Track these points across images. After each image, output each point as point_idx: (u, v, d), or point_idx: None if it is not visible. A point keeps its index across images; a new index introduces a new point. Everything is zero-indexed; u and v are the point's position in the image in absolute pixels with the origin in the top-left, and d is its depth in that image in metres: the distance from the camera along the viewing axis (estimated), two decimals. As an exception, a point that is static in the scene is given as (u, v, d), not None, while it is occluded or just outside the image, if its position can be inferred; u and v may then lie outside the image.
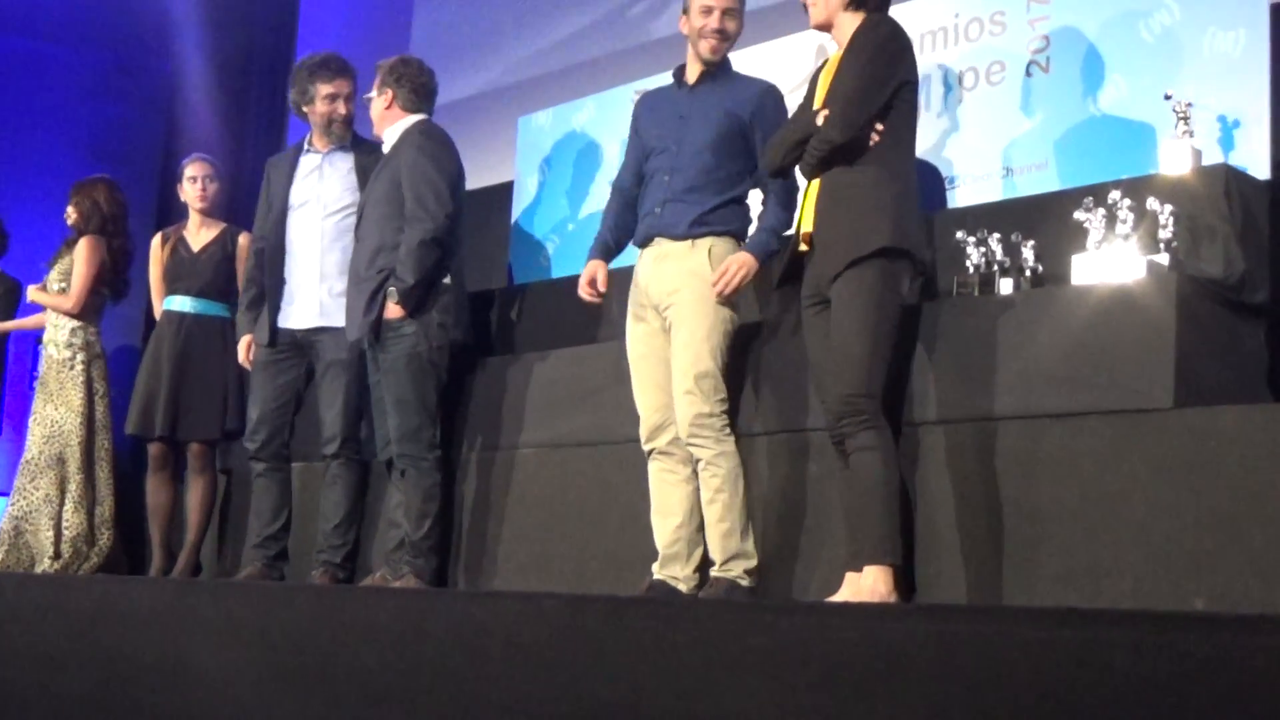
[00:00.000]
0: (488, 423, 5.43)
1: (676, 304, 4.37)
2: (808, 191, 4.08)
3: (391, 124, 5.37)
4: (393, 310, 5.10)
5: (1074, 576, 3.60)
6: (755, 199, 4.59)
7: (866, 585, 3.75)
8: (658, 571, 4.38)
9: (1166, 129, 4.26)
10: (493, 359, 5.63)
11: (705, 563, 4.39)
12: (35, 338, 6.75)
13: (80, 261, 6.52)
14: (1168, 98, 4.21)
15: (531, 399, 5.30)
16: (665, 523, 4.40)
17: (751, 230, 4.52)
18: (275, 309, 5.63)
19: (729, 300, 4.37)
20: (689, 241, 4.42)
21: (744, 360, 4.51)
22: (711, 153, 4.45)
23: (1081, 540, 3.56)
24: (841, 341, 3.85)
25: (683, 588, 4.35)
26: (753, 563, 4.29)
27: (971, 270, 4.34)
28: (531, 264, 6.35)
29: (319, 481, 5.69)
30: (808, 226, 4.03)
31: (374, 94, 5.41)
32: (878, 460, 3.80)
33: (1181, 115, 4.17)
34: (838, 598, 3.81)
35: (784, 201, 4.45)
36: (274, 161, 5.91)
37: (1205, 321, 3.75)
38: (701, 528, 4.39)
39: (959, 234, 4.35)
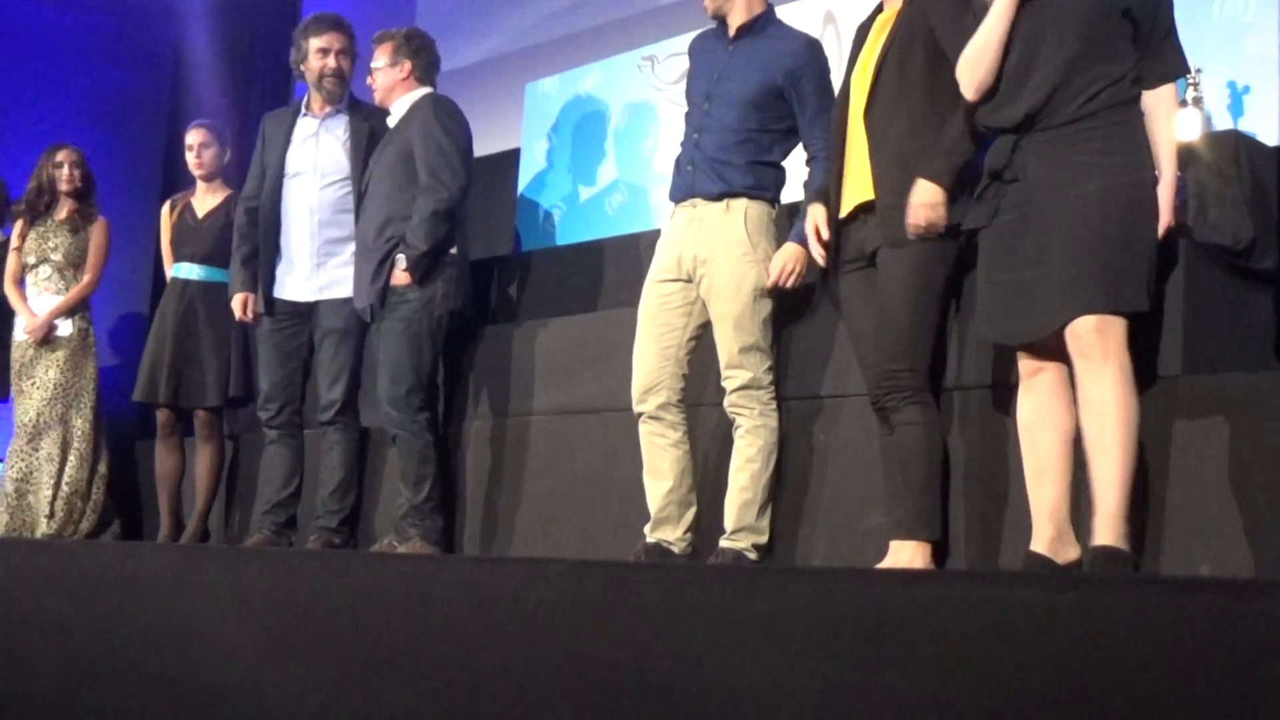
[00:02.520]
0: (493, 390, 5.43)
1: (711, 274, 4.30)
2: (852, 154, 3.99)
3: (402, 95, 5.34)
4: (400, 277, 5.10)
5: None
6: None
7: (903, 559, 3.76)
8: (650, 534, 4.38)
9: (1176, 95, 4.23)
10: (498, 327, 5.63)
11: (697, 525, 4.40)
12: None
13: (101, 246, 6.60)
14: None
15: (537, 366, 5.30)
16: (656, 486, 4.40)
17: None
18: (271, 279, 5.62)
19: (766, 267, 4.28)
20: (723, 203, 4.32)
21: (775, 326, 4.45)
22: (742, 113, 4.34)
23: (1082, 504, 3.55)
24: (893, 314, 3.83)
25: (675, 550, 4.35)
26: (762, 539, 4.28)
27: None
28: (538, 231, 6.33)
29: (327, 449, 5.69)
30: (863, 195, 3.94)
31: (384, 64, 5.35)
32: (920, 436, 3.79)
33: (1191, 81, 4.15)
34: (884, 565, 3.81)
35: (824, 180, 4.25)
36: (271, 119, 5.84)
37: (1213, 288, 3.74)
38: (692, 490, 4.40)
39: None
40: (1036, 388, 3.49)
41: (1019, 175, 3.47)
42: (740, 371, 4.27)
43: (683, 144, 4.48)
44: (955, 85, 3.67)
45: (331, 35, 5.57)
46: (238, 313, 5.72)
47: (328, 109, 5.61)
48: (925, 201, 3.77)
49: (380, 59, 5.38)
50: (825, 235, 4.05)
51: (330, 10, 5.80)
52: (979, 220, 3.57)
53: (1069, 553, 3.46)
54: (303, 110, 5.69)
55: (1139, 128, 3.44)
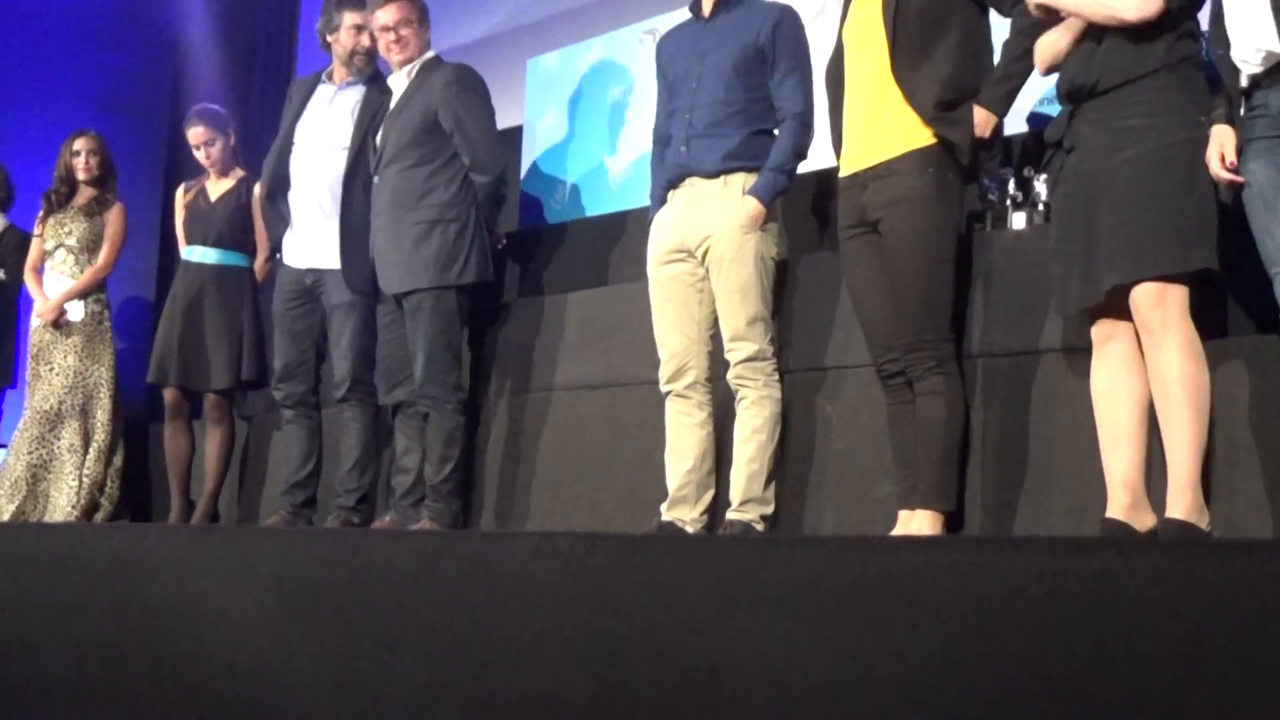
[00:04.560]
0: (502, 366, 5.44)
1: (714, 248, 4.30)
2: (854, 115, 3.97)
3: (412, 63, 5.27)
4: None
5: (1086, 510, 3.59)
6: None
7: (915, 527, 3.76)
8: (666, 513, 4.38)
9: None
10: (506, 303, 5.62)
11: (714, 506, 4.39)
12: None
13: (117, 231, 6.59)
14: (1190, 36, 4.15)
15: (543, 342, 5.30)
16: (677, 465, 4.39)
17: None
18: (278, 241, 5.64)
19: (769, 236, 4.30)
20: (721, 179, 4.32)
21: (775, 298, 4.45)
22: (728, 86, 4.34)
23: (1094, 473, 3.55)
24: (908, 284, 3.82)
25: (689, 529, 4.35)
26: (769, 510, 4.28)
27: (984, 205, 4.32)
28: (542, 207, 6.33)
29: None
30: (867, 160, 3.92)
31: (414, 28, 5.25)
32: (943, 406, 3.78)
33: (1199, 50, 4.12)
34: (895, 534, 3.81)
35: (794, 133, 4.31)
36: (298, 83, 5.83)
37: (1226, 252, 3.72)
38: (712, 472, 4.39)
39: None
40: (1109, 355, 3.47)
41: (1075, 144, 3.48)
42: (745, 344, 4.26)
43: (671, 129, 4.46)
44: (972, 12, 3.82)
45: (368, 14, 5.51)
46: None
47: (348, 79, 5.56)
48: (985, 126, 3.85)
49: (406, 23, 5.24)
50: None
51: None
52: (1047, 193, 3.59)
53: (1146, 520, 3.42)
54: (323, 79, 5.66)
55: (1192, 84, 3.42)
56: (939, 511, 3.77)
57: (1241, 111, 3.29)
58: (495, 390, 5.44)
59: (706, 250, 4.32)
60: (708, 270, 4.34)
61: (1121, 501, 3.40)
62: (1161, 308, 3.31)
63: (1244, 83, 3.27)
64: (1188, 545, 3.00)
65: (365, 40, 5.49)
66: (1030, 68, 3.79)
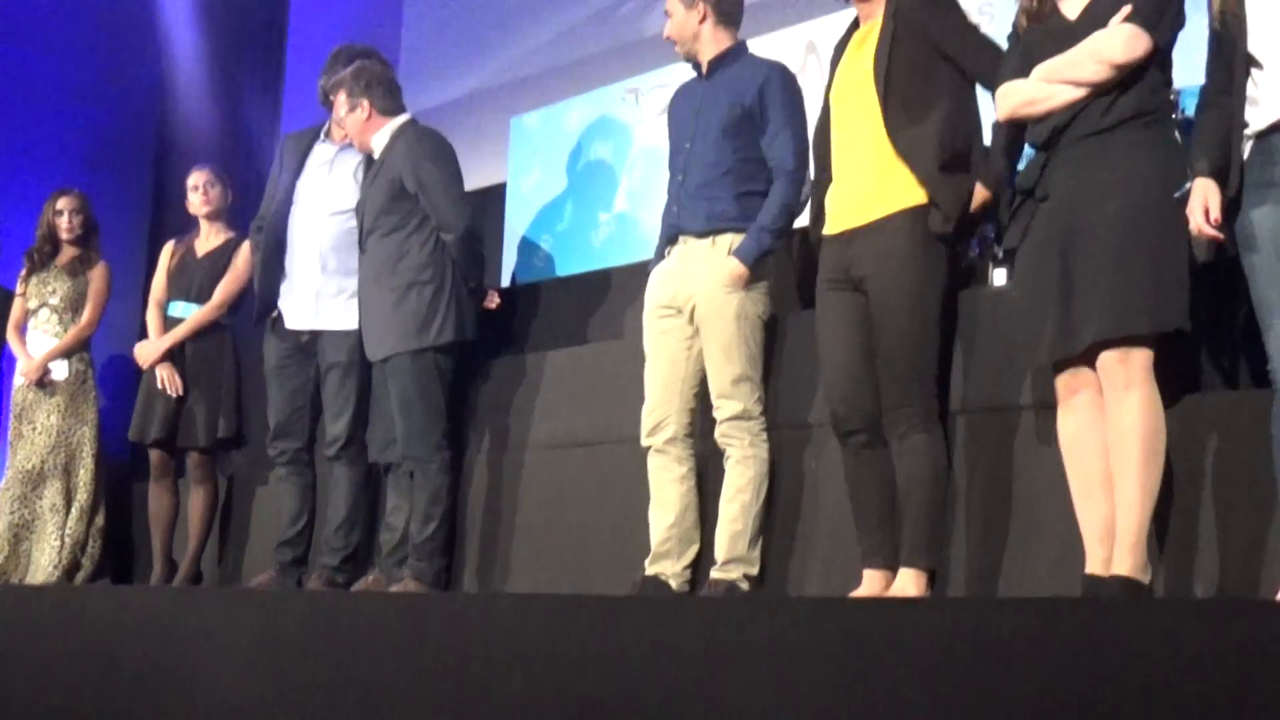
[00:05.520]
0: (487, 424, 5.43)
1: (700, 306, 4.32)
2: (842, 172, 3.98)
3: (375, 131, 5.27)
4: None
5: (1069, 567, 3.59)
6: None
7: (899, 586, 3.75)
8: (649, 567, 4.38)
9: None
10: (490, 361, 5.63)
11: (698, 560, 4.39)
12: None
13: (101, 289, 6.60)
14: (1167, 85, 4.18)
15: (527, 400, 5.30)
16: (660, 518, 4.41)
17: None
18: (274, 300, 5.60)
19: (756, 295, 4.32)
20: (710, 238, 4.35)
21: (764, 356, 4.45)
22: (718, 147, 4.37)
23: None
24: (895, 343, 3.81)
25: (673, 584, 4.35)
26: (754, 570, 4.27)
27: (965, 262, 4.33)
28: (526, 265, 6.34)
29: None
30: (858, 218, 3.91)
31: (345, 110, 5.29)
32: (927, 464, 3.78)
33: (1172, 101, 4.15)
34: (857, 595, 3.81)
35: (784, 193, 4.32)
36: (291, 139, 5.82)
37: (1198, 310, 3.73)
38: (696, 525, 4.40)
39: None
40: (1076, 408, 3.46)
41: (1048, 193, 3.47)
42: (730, 402, 4.28)
43: (669, 188, 4.51)
44: (959, 81, 3.83)
45: None
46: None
47: (347, 139, 5.51)
48: (982, 205, 3.86)
49: (340, 108, 5.32)
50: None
51: (371, 46, 5.75)
52: (1012, 241, 3.58)
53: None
54: (322, 136, 5.66)
55: (1168, 136, 3.43)
56: (923, 570, 3.76)
57: (1246, 156, 3.21)
58: (478, 448, 5.43)
59: (694, 308, 4.34)
60: (696, 328, 4.36)
61: (1099, 555, 3.40)
62: (1126, 365, 3.31)
63: (1260, 126, 3.18)
64: (1174, 606, 3.00)
65: None
66: (1020, 151, 3.80)
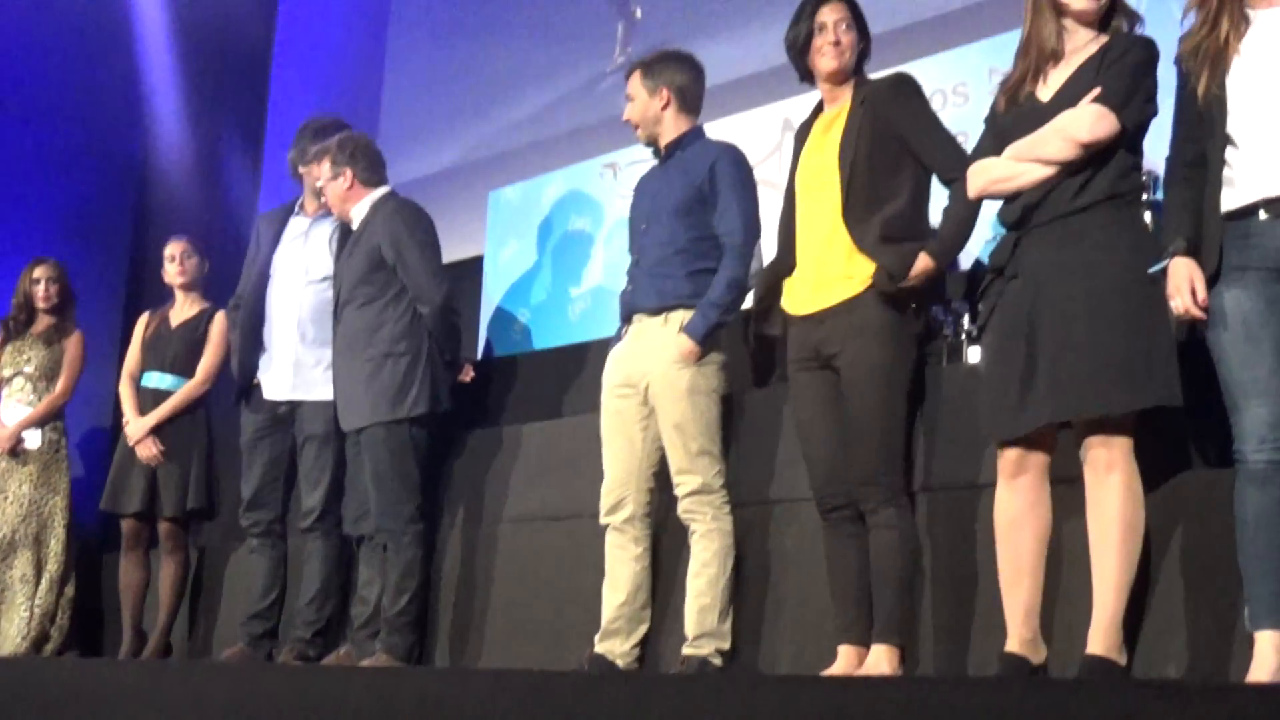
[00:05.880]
0: (461, 497, 5.42)
1: (653, 384, 4.37)
2: (807, 254, 4.01)
3: (356, 202, 5.33)
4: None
5: (1038, 641, 3.58)
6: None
7: (872, 663, 3.75)
8: (598, 645, 4.42)
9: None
10: (466, 433, 5.62)
11: (646, 639, 4.44)
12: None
13: (75, 358, 6.61)
14: (1137, 169, 4.20)
15: (503, 473, 5.30)
16: (611, 597, 4.46)
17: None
18: (252, 374, 5.61)
19: (709, 370, 4.35)
20: (662, 316, 4.41)
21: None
22: (671, 226, 4.44)
23: (1048, 605, 3.56)
24: (864, 419, 3.83)
25: (619, 663, 4.39)
26: (725, 645, 4.28)
27: (939, 339, 4.35)
28: (503, 337, 6.35)
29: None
30: (828, 299, 3.93)
31: (327, 177, 5.35)
32: (897, 540, 3.80)
33: (1147, 187, 4.18)
34: (832, 672, 3.79)
35: (732, 269, 4.38)
36: (265, 218, 5.89)
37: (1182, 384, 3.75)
38: (647, 605, 4.46)
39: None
40: (1019, 489, 3.49)
41: (1019, 272, 3.49)
42: (691, 477, 4.31)
43: (626, 273, 4.60)
44: (919, 174, 3.89)
45: None
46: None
47: (321, 210, 5.59)
48: (923, 272, 3.86)
49: (323, 175, 5.38)
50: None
51: (337, 116, 5.79)
52: (981, 318, 3.60)
53: (1040, 654, 3.50)
54: (296, 210, 5.70)
55: (1138, 217, 3.47)
56: (895, 646, 3.76)
57: (1219, 237, 3.20)
58: (453, 521, 5.41)
59: (648, 386, 4.40)
60: (652, 407, 4.40)
61: (1023, 636, 3.46)
62: (1108, 447, 3.34)
63: (1235, 205, 3.18)
64: (1147, 686, 3.00)
65: None
66: (971, 232, 3.85)
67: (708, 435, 4.33)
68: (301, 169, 5.64)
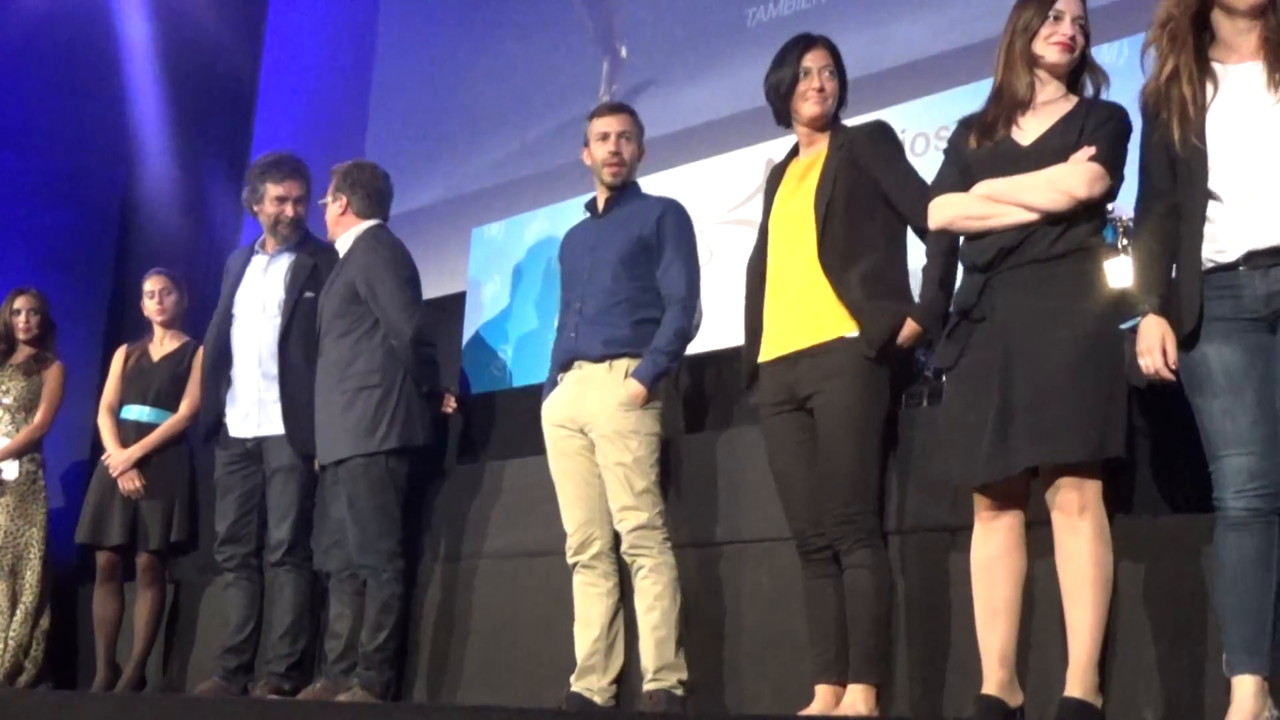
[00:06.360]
0: (441, 533, 5.42)
1: (598, 427, 4.46)
2: (778, 297, 4.02)
3: (345, 230, 5.37)
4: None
5: (1020, 685, 3.59)
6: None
7: (849, 703, 3.75)
8: (574, 683, 4.44)
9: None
10: (447, 469, 5.62)
11: (622, 675, 4.46)
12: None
13: (55, 390, 6.62)
14: (1110, 212, 4.24)
15: (483, 509, 5.30)
16: (584, 635, 4.50)
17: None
18: (218, 412, 5.62)
19: (651, 415, 4.46)
20: (606, 363, 4.50)
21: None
22: (615, 277, 4.53)
23: (1025, 648, 3.57)
24: (840, 459, 3.83)
25: (598, 699, 4.41)
26: (684, 674, 4.34)
27: (920, 381, 4.37)
28: (484, 374, 6.35)
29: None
30: (802, 340, 3.94)
31: (328, 199, 5.42)
32: (874, 580, 3.80)
33: (1122, 229, 4.21)
34: (810, 711, 3.79)
35: (676, 319, 4.49)
36: (233, 257, 5.92)
37: (1150, 432, 3.78)
38: (620, 639, 4.50)
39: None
40: (994, 531, 3.51)
41: (987, 315, 3.51)
42: (636, 513, 4.39)
43: (563, 318, 4.68)
44: (895, 222, 3.90)
45: (291, 183, 5.60)
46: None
47: (279, 247, 5.63)
48: (910, 337, 3.88)
49: (327, 194, 5.45)
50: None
51: (288, 152, 5.82)
52: (946, 360, 3.59)
53: (1016, 697, 3.51)
54: (256, 249, 5.73)
55: (1102, 273, 3.49)
56: (871, 685, 3.76)
57: (1199, 294, 3.19)
58: (433, 556, 5.41)
59: (592, 429, 4.48)
60: (596, 449, 4.49)
61: (999, 678, 3.47)
62: (1080, 491, 3.36)
63: (1219, 260, 3.18)
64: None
65: (289, 210, 5.59)
66: (952, 290, 3.86)
67: (649, 475, 4.43)
68: (256, 208, 5.67)
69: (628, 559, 4.42)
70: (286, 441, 5.42)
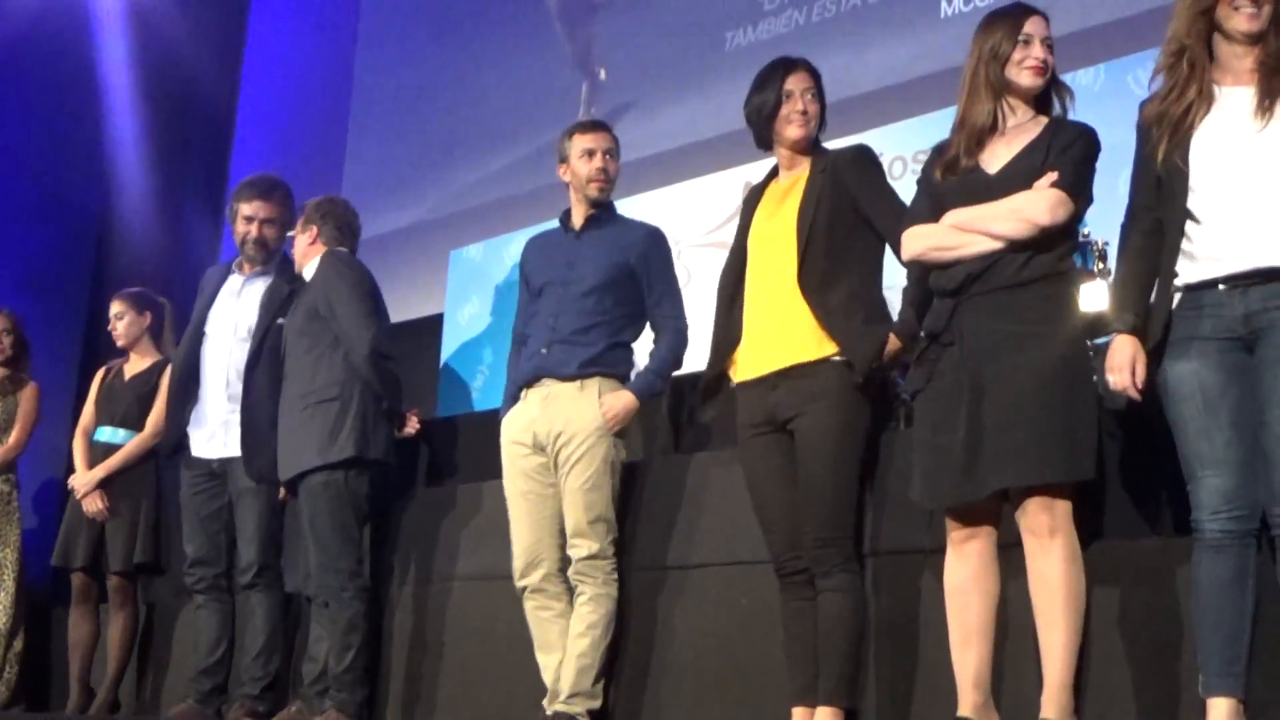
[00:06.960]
0: (415, 555, 5.40)
1: (565, 447, 4.46)
2: (756, 318, 4.02)
3: (312, 259, 5.37)
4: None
5: (995, 708, 3.59)
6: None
7: None
8: (549, 708, 4.42)
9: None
10: (420, 491, 5.61)
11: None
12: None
13: (29, 410, 6.59)
14: (1085, 236, 4.25)
15: (457, 531, 5.28)
16: (549, 659, 4.50)
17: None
18: (181, 430, 5.58)
19: (617, 438, 4.47)
20: (578, 382, 4.50)
21: (624, 498, 4.58)
22: (598, 297, 4.55)
23: (1000, 670, 3.57)
24: (820, 482, 3.83)
25: (579, 712, 4.41)
26: (596, 704, 4.39)
27: (898, 403, 4.37)
28: (460, 395, 6.35)
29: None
30: (783, 360, 3.93)
31: (298, 230, 5.42)
32: (849, 604, 3.80)
33: (1098, 253, 4.22)
34: None
35: (673, 345, 4.57)
36: (207, 275, 5.88)
37: (1126, 456, 3.79)
38: None
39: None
40: (968, 554, 3.52)
41: (956, 340, 3.51)
42: (587, 541, 4.41)
43: (532, 330, 4.65)
44: (875, 243, 3.92)
45: (259, 204, 5.56)
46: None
47: (254, 269, 5.62)
48: (893, 353, 3.88)
49: (297, 226, 5.46)
50: None
51: (271, 174, 5.81)
52: (916, 383, 3.60)
53: (993, 718, 3.51)
54: (234, 267, 5.71)
55: (1073, 298, 3.50)
56: (842, 709, 3.76)
57: (1174, 307, 3.23)
58: (405, 579, 5.39)
59: (559, 448, 4.47)
60: (557, 467, 4.48)
61: (974, 700, 3.48)
62: (1050, 513, 3.37)
63: (1195, 279, 3.20)
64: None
65: (254, 230, 5.57)
66: (930, 304, 3.87)
67: (609, 504, 4.45)
68: (233, 227, 5.67)
69: (573, 581, 4.46)
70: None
